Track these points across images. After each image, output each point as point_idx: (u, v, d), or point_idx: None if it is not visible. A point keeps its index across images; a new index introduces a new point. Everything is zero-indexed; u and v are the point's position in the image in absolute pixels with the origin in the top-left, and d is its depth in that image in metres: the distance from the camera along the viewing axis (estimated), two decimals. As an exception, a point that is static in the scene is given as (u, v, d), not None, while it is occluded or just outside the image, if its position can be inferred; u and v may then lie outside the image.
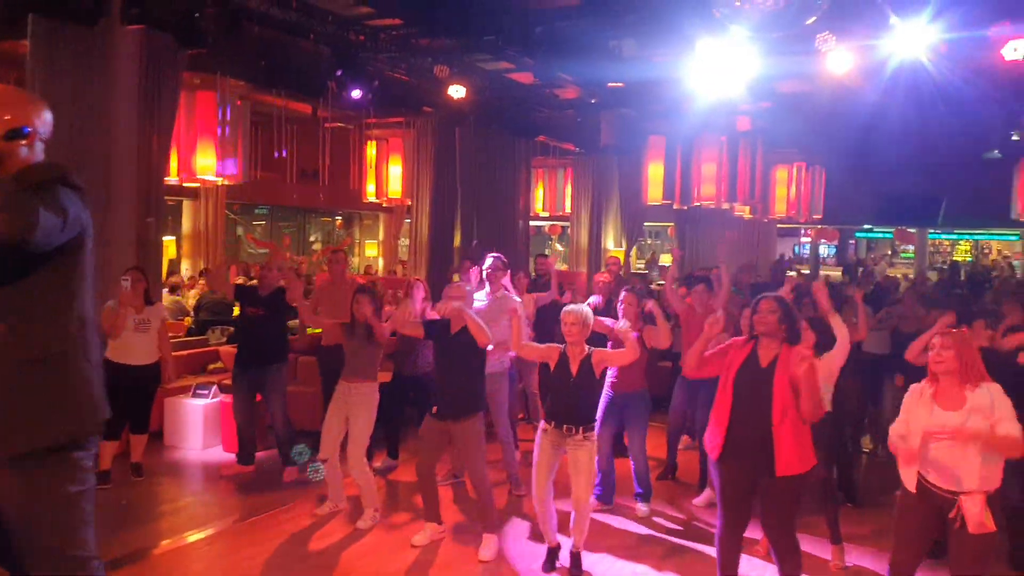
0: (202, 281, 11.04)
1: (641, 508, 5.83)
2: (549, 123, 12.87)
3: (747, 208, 13.43)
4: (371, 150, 12.46)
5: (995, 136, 12.66)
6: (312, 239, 20.06)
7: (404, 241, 16.79)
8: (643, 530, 5.56)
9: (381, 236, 19.52)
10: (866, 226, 21.89)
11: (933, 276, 17.36)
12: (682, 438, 7.05)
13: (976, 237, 23.24)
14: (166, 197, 8.32)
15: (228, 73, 8.49)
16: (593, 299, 6.53)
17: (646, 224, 18.41)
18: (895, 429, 3.76)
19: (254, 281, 8.37)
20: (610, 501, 5.90)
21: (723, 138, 11.68)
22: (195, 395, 7.19)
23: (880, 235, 23.56)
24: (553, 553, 4.80)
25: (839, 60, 7.40)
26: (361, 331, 5.49)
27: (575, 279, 13.04)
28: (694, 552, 5.16)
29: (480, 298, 6.20)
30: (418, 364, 6.45)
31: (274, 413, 6.46)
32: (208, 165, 8.87)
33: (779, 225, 17.78)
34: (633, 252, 16.66)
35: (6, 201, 2.17)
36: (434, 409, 5.00)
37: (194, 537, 5.28)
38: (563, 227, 20.60)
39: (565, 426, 4.58)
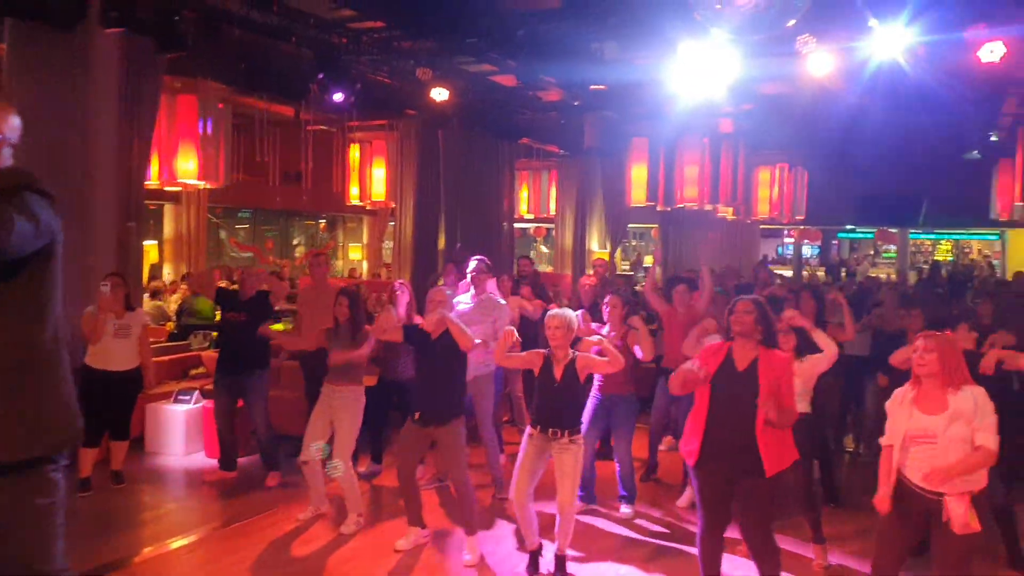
0: (184, 286, 10.96)
1: (625, 510, 5.84)
2: (533, 125, 12.87)
3: (730, 209, 13.48)
4: (354, 153, 12.41)
5: (974, 137, 12.79)
6: (295, 242, 19.96)
7: (388, 244, 16.74)
8: (627, 532, 5.58)
9: (365, 239, 19.46)
10: (848, 227, 22.03)
11: (912, 276, 17.54)
12: (665, 439, 7.09)
13: (957, 237, 23.44)
14: (147, 201, 8.26)
15: (209, 76, 8.43)
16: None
17: (630, 226, 18.42)
18: (884, 440, 3.78)
19: (236, 286, 8.33)
20: (592, 500, 5.91)
21: (705, 140, 11.74)
22: (176, 401, 7.14)
23: (862, 235, 23.72)
24: (535, 555, 4.80)
25: (819, 62, 7.45)
26: (345, 334, 5.48)
27: (560, 281, 13.05)
28: (678, 553, 5.18)
29: (465, 300, 6.20)
30: (402, 369, 6.43)
31: (256, 418, 6.42)
32: (189, 169, 8.81)
33: (762, 226, 17.87)
34: (618, 253, 16.70)
35: None
36: (416, 415, 4.99)
37: (176, 544, 5.24)
38: (548, 229, 20.62)
39: (551, 430, 4.59)
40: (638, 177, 12.02)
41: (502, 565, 4.95)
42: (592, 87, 10.65)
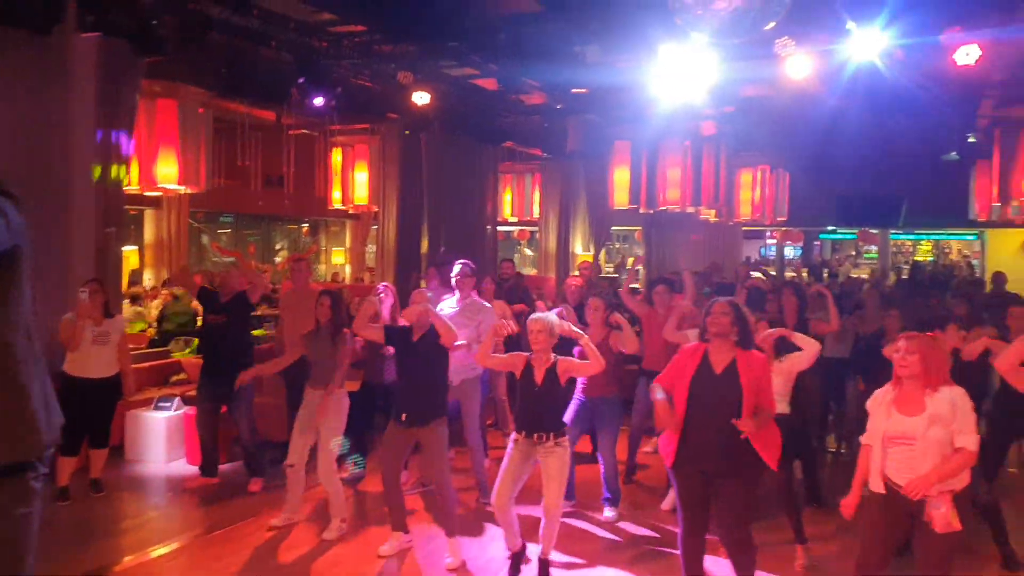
0: (165, 291, 10.87)
1: (609, 513, 5.84)
2: (516, 129, 12.89)
3: (712, 211, 13.55)
4: (336, 157, 12.38)
5: (952, 138, 12.93)
6: (278, 247, 19.87)
7: (371, 248, 16.70)
8: (611, 535, 5.58)
9: (348, 243, 19.40)
10: (830, 228, 22.18)
11: (891, 276, 17.69)
12: (650, 441, 7.09)
13: (937, 237, 23.65)
14: (128, 206, 8.19)
15: (189, 81, 8.40)
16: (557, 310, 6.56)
17: (614, 228, 18.49)
18: (863, 439, 3.81)
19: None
20: (572, 496, 5.91)
21: (687, 142, 11.80)
22: (157, 408, 7.08)
23: (844, 236, 23.88)
24: (518, 558, 4.80)
25: (798, 65, 7.51)
26: (325, 336, 5.46)
27: (544, 284, 13.07)
28: (662, 555, 5.18)
29: (450, 304, 6.20)
30: (386, 373, 6.41)
31: (240, 423, 6.38)
32: (170, 174, 8.76)
33: (744, 228, 17.97)
34: (602, 256, 16.74)
35: None
36: (403, 416, 4.98)
37: (158, 552, 5.19)
38: (532, 232, 20.64)
39: (535, 435, 4.58)
40: (621, 180, 12.06)
41: (485, 569, 4.94)
42: (574, 90, 10.68)
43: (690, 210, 12.54)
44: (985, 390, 5.73)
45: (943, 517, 3.46)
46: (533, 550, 4.83)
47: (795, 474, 6.06)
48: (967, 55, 6.79)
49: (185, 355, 8.41)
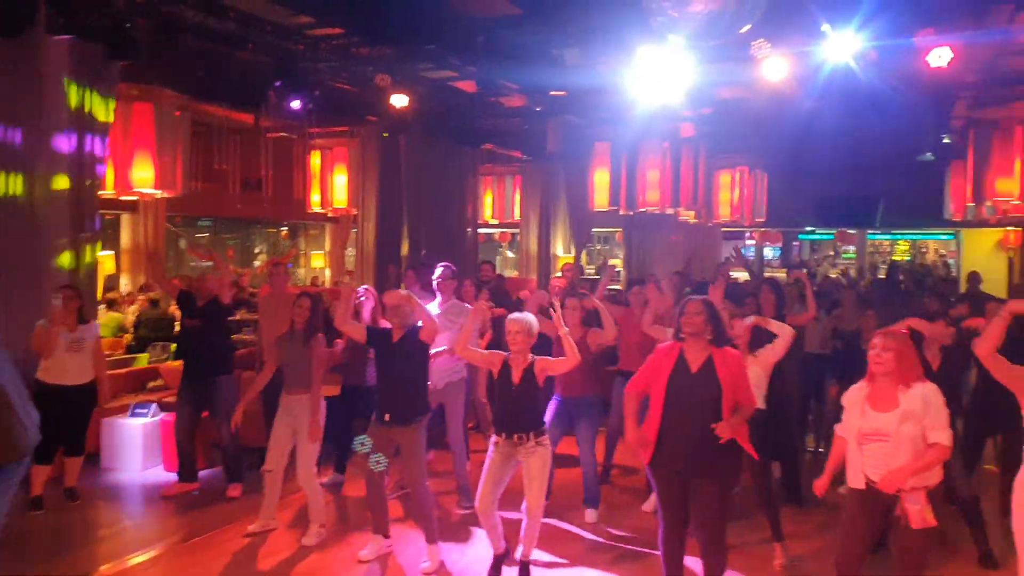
0: (142, 297, 10.76)
1: (590, 514, 5.84)
2: (495, 131, 12.88)
3: (692, 213, 13.60)
4: (315, 159, 12.31)
5: (927, 139, 13.06)
6: (257, 251, 19.74)
7: (351, 251, 16.62)
8: (592, 536, 5.58)
9: (327, 247, 19.30)
10: (808, 228, 22.36)
11: (856, 274, 17.91)
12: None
13: (913, 237, 23.91)
14: (103, 211, 8.09)
15: (164, 84, 8.31)
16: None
17: (594, 230, 18.54)
18: (838, 429, 3.87)
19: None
20: (547, 497, 5.90)
21: (666, 144, 11.83)
22: (133, 415, 7.00)
23: (823, 236, 24.09)
24: (499, 561, 4.79)
25: (774, 67, 7.55)
26: (300, 339, 5.42)
27: (525, 286, 13.06)
28: (643, 556, 5.18)
29: (433, 307, 6.18)
30: (367, 376, 6.38)
31: (220, 427, 6.32)
32: (146, 178, 8.67)
33: (723, 229, 18.08)
34: (583, 257, 16.78)
35: None
36: (385, 416, 4.95)
37: (135, 560, 5.13)
38: (513, 234, 20.65)
39: (515, 436, 4.58)
40: (600, 181, 12.08)
41: (465, 572, 4.94)
42: (553, 92, 10.68)
43: (669, 211, 12.57)
44: (963, 386, 5.80)
45: (918, 513, 3.52)
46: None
47: (773, 472, 6.11)
48: (939, 57, 6.87)
49: (163, 361, 8.33)
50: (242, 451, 6.42)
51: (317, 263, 19.76)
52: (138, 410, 7.02)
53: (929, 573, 3.81)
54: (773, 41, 7.32)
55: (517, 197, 15.66)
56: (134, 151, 8.53)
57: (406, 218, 11.39)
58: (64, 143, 6.69)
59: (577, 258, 14.44)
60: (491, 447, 4.70)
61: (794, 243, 24.25)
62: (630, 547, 5.39)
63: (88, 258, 6.95)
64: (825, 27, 6.85)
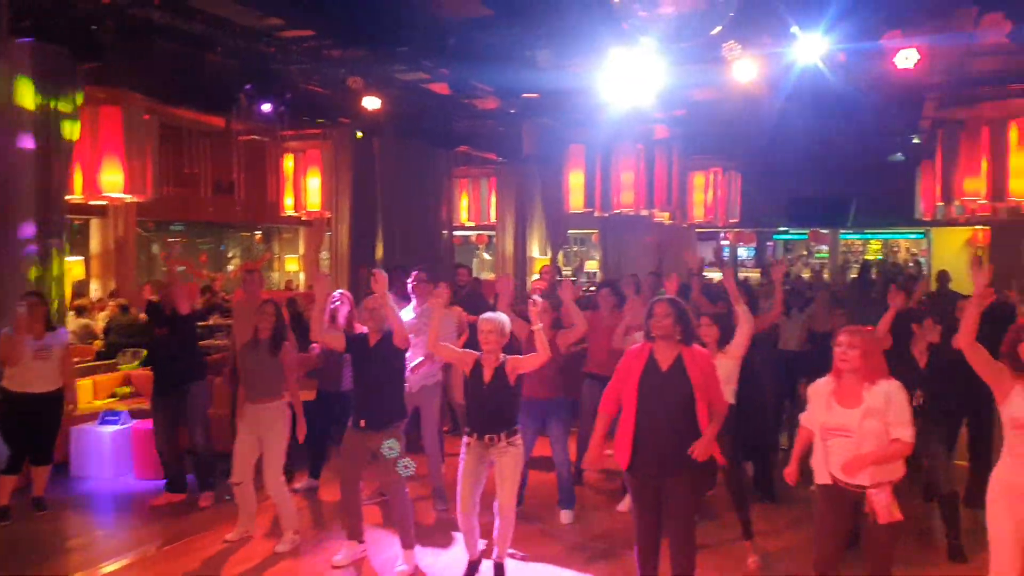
0: (112, 303, 10.62)
1: (565, 515, 5.84)
2: (470, 133, 12.84)
3: (666, 214, 13.66)
4: (288, 162, 12.20)
5: (897, 140, 13.21)
6: (231, 255, 19.55)
7: (325, 255, 16.51)
8: (567, 537, 5.58)
9: (301, 250, 19.17)
10: (782, 228, 22.56)
11: (826, 274, 18.13)
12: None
13: (885, 237, 24.20)
14: (72, 216, 7.97)
15: (132, 87, 8.20)
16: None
17: (570, 231, 18.57)
18: (802, 420, 3.93)
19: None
20: (520, 500, 5.90)
21: (640, 146, 11.87)
22: (103, 422, 6.90)
23: (797, 236, 24.31)
24: (474, 566, 4.78)
25: (745, 69, 7.60)
26: (264, 347, 5.36)
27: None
28: (618, 557, 5.19)
29: (408, 311, 6.17)
30: (342, 381, 6.34)
31: (193, 433, 6.26)
32: (115, 182, 8.55)
33: (698, 230, 18.16)
34: (560, 259, 16.80)
35: None
36: (361, 422, 4.92)
37: (107, 569, 5.07)
38: (489, 236, 20.63)
39: (487, 436, 4.57)
40: (575, 183, 12.10)
41: (440, 575, 4.91)
42: (527, 95, 10.68)
43: (644, 213, 12.61)
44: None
45: (884, 508, 3.57)
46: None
47: (747, 471, 6.15)
48: (907, 59, 6.95)
49: (133, 367, 8.22)
50: (216, 456, 6.34)
51: (291, 267, 19.63)
52: (108, 417, 6.92)
53: (899, 568, 3.86)
54: (743, 43, 7.37)
55: (493, 199, 15.62)
56: (103, 155, 8.40)
57: (381, 221, 11.33)
58: (29, 146, 6.57)
59: (554, 260, 14.45)
60: (463, 448, 4.68)
61: (768, 243, 24.47)
62: (605, 546, 5.40)
63: (56, 266, 6.84)
64: (794, 29, 6.91)
